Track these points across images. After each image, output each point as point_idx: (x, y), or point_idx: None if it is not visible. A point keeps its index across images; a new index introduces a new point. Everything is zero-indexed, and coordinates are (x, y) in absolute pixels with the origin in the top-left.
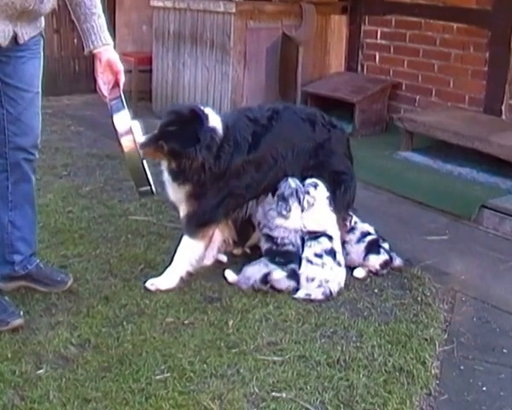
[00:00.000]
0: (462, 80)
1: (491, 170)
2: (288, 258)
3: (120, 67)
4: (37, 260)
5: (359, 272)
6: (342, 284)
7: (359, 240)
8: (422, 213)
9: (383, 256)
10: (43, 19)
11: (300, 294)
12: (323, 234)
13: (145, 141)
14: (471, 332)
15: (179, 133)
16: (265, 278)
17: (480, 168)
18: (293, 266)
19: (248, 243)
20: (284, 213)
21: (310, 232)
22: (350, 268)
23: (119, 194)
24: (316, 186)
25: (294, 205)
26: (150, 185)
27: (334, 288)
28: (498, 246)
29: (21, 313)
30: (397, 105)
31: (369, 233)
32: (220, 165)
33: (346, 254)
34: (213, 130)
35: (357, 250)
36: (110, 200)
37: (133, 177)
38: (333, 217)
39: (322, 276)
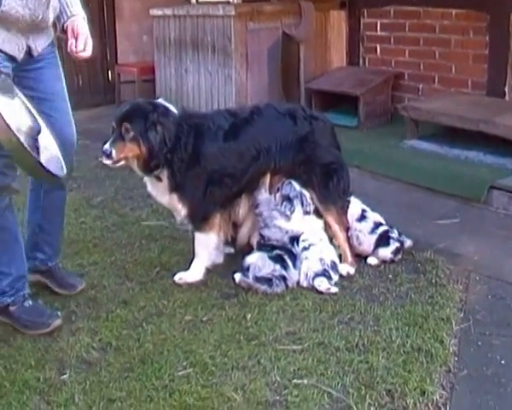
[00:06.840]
0: (464, 65)
1: (498, 151)
2: (273, 247)
3: (82, 31)
4: (57, 262)
5: (373, 260)
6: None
7: (372, 230)
8: (432, 198)
9: (393, 246)
10: (51, 28)
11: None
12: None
13: (111, 140)
14: (486, 309)
15: (134, 112)
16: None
17: (487, 150)
18: (278, 251)
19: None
20: (288, 213)
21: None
22: (363, 257)
23: (130, 202)
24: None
25: (298, 208)
26: (43, 166)
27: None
28: (509, 225)
29: (59, 313)
30: (400, 95)
31: (380, 224)
32: (182, 145)
33: (358, 243)
34: (165, 108)
35: (370, 241)
36: (122, 208)
37: (22, 165)
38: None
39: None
